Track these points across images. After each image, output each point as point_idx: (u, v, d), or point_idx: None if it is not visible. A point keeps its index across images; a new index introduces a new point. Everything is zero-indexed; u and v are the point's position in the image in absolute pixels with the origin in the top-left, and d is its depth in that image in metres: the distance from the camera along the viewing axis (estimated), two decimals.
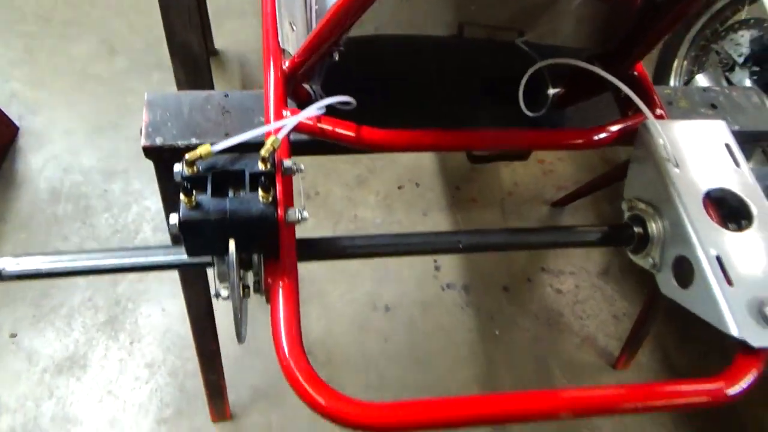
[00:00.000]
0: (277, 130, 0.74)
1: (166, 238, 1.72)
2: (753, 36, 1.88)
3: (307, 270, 1.79)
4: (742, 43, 1.92)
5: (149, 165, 0.95)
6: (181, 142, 0.92)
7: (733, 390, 0.70)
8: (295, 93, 0.94)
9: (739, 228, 0.81)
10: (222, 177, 0.68)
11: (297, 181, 0.76)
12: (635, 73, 0.99)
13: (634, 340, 1.68)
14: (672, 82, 2.11)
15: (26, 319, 1.61)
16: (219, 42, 2.26)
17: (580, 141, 0.90)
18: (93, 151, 1.94)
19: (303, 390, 0.64)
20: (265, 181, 0.65)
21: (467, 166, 2.12)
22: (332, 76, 0.99)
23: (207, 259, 0.73)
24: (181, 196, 0.63)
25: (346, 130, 0.83)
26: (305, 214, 0.67)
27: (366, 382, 1.62)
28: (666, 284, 0.83)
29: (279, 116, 0.84)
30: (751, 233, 0.80)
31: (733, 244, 0.78)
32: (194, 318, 1.28)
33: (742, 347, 0.73)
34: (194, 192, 0.64)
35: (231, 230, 0.65)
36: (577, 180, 2.10)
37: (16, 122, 1.97)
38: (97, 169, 1.91)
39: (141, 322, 1.65)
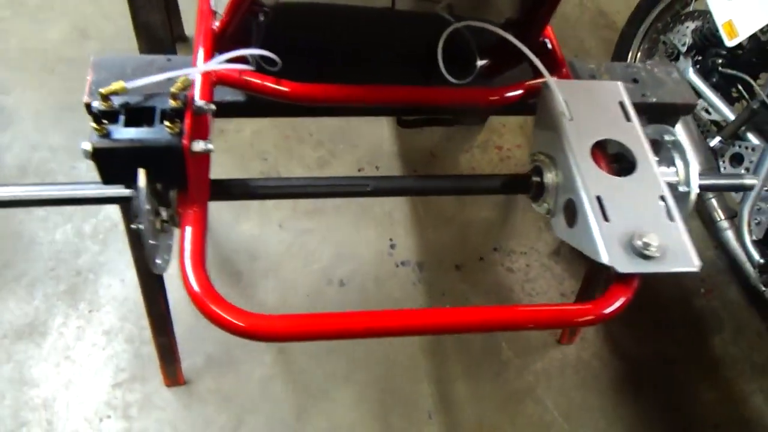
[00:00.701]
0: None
1: None
2: (695, 26, 1.97)
3: (264, 245, 1.85)
4: (685, 33, 2.01)
5: None
6: None
7: (607, 310, 0.77)
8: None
9: (626, 174, 0.88)
10: (136, 113, 0.75)
11: (212, 122, 0.82)
12: (546, 40, 1.06)
13: None
14: None
15: None
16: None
17: (489, 98, 0.97)
18: (61, 130, 2.00)
19: (204, 305, 0.70)
20: (172, 114, 0.71)
21: (427, 151, 2.20)
22: (269, 42, 1.06)
23: (126, 192, 0.79)
24: (92, 124, 0.70)
25: (266, 82, 0.90)
26: (210, 146, 0.73)
27: (316, 352, 1.68)
28: (558, 227, 0.90)
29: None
30: (632, 178, 0.87)
31: (614, 186, 0.85)
32: (143, 278, 1.34)
33: (617, 278, 0.80)
34: (106, 122, 0.70)
35: (140, 159, 0.72)
36: None
37: None
38: (65, 147, 1.97)
39: (101, 292, 1.70)
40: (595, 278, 1.67)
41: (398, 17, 1.06)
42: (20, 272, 1.70)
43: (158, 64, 1.08)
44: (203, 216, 0.76)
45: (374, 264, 1.88)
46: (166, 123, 0.71)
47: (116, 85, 0.72)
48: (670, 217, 0.83)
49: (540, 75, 1.05)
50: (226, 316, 0.68)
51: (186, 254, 0.71)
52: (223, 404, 1.56)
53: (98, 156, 0.71)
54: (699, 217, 2.10)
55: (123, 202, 0.84)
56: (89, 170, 1.92)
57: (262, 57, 1.01)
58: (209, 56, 0.92)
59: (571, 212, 0.85)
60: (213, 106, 0.80)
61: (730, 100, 2.00)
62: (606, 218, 0.81)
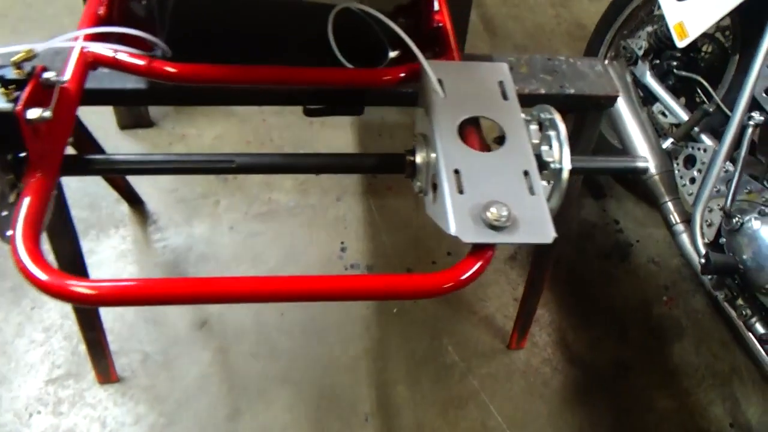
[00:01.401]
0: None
1: None
2: (651, 30, 1.95)
3: (214, 248, 1.86)
4: (642, 37, 1.99)
5: None
6: None
7: (462, 276, 0.75)
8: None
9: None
10: None
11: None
12: (439, 25, 1.06)
13: (523, 317, 1.71)
14: None
15: None
16: None
17: (367, 79, 0.96)
18: None
19: (30, 274, 0.69)
20: (9, 82, 0.73)
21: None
22: (173, 30, 1.08)
23: None
24: None
25: (139, 61, 0.91)
26: (47, 113, 0.74)
27: (257, 351, 1.66)
28: (427, 205, 0.88)
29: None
30: (498, 153, 0.85)
31: (478, 161, 0.83)
32: (64, 269, 1.35)
33: (473, 248, 0.78)
34: None
35: None
36: None
37: None
38: None
39: None
40: (539, 279, 1.64)
41: (299, 4, 1.06)
42: None
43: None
44: (46, 188, 0.76)
45: (323, 267, 1.87)
46: (2, 90, 0.72)
47: None
48: (532, 191, 0.81)
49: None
50: (54, 282, 0.68)
51: (18, 224, 0.71)
52: (155, 402, 1.55)
53: None
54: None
55: None
56: None
57: (168, 42, 1.03)
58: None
59: (436, 189, 0.84)
60: (63, 79, 0.81)
61: (691, 103, 1.97)
62: (461, 191, 0.79)
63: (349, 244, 1.93)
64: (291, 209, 1.99)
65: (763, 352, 1.46)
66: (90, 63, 0.90)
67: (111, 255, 1.80)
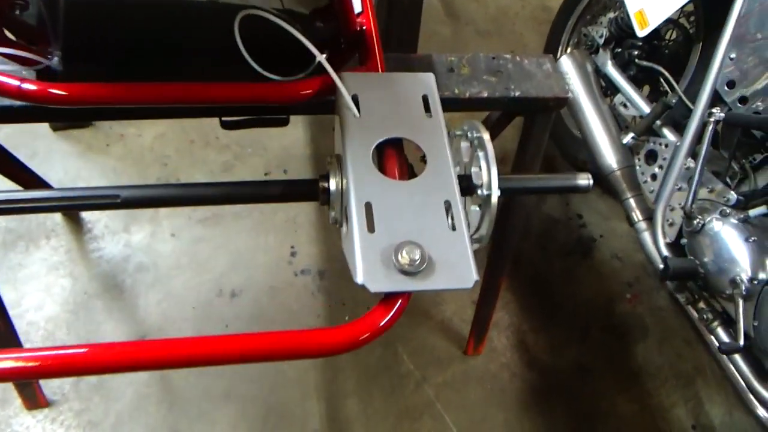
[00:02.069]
0: None
1: None
2: (611, 17, 1.86)
3: (154, 255, 1.75)
4: (603, 24, 1.90)
5: None
6: None
7: (360, 337, 0.66)
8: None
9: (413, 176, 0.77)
10: None
11: None
12: (362, 28, 0.96)
13: (479, 322, 1.64)
14: None
15: None
16: None
17: (281, 94, 0.86)
18: None
19: None
20: None
21: None
22: (68, 39, 0.96)
23: None
24: None
25: (14, 82, 0.79)
26: None
27: (194, 369, 1.57)
28: (343, 239, 0.79)
29: None
30: (418, 181, 0.76)
31: (394, 191, 0.74)
32: None
33: (385, 295, 0.69)
34: None
35: None
36: None
37: None
38: None
39: None
40: (494, 283, 1.56)
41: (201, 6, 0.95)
42: None
43: None
44: None
45: (271, 273, 1.77)
46: None
47: None
48: (453, 226, 0.72)
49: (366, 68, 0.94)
50: None
51: None
52: (88, 428, 1.45)
53: None
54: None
55: None
56: None
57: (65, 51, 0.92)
58: None
59: (347, 221, 0.75)
60: None
61: (655, 93, 1.89)
62: (372, 229, 0.70)
63: (299, 248, 1.84)
64: (238, 212, 1.88)
65: (724, 357, 1.40)
66: None
67: (41, 268, 1.69)
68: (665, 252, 1.56)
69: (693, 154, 1.51)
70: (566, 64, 1.85)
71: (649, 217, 1.70)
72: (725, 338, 1.39)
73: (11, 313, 1.58)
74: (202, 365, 0.67)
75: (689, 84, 1.74)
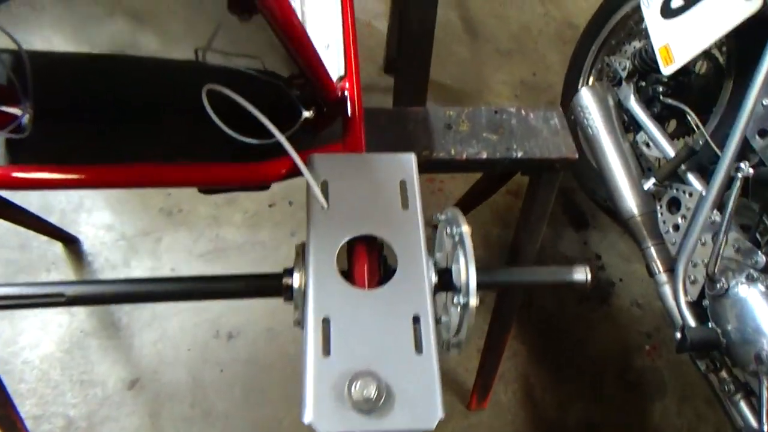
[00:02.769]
0: None
1: None
2: (635, 48, 1.74)
3: None
4: (627, 54, 1.78)
5: None
6: None
7: None
8: None
9: (380, 283, 0.69)
10: None
11: None
12: (346, 96, 0.88)
13: (484, 374, 1.55)
14: None
15: None
16: None
17: (248, 177, 0.79)
18: None
19: None
20: None
21: None
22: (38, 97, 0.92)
23: None
24: None
25: None
26: None
27: (191, 415, 1.53)
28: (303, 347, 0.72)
29: None
30: (386, 290, 0.68)
31: (356, 303, 0.66)
32: None
33: None
34: None
35: None
36: None
37: None
38: None
39: None
40: (501, 336, 1.47)
41: (177, 70, 0.90)
42: None
43: None
44: None
45: (270, 314, 1.71)
46: None
47: None
48: (420, 348, 0.64)
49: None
50: None
51: None
52: None
53: None
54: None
55: None
56: None
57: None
58: None
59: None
60: None
61: (681, 129, 1.77)
62: (327, 351, 0.63)
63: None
64: (240, 246, 1.83)
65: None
66: None
67: None
68: (686, 311, 1.44)
69: (719, 205, 1.40)
70: (586, 97, 1.73)
71: (671, 269, 1.58)
72: (748, 414, 1.28)
73: (7, 351, 1.57)
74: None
75: (718, 125, 1.61)
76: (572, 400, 1.65)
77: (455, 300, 0.72)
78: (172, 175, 0.78)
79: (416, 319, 0.66)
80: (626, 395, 1.68)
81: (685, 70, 1.70)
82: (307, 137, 1.02)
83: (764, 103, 1.30)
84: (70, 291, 0.70)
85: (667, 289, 1.56)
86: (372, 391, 0.59)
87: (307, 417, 0.59)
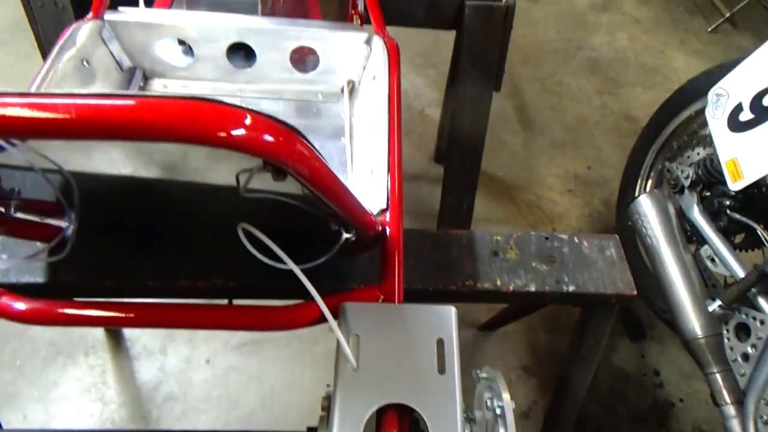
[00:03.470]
0: None
1: None
2: (698, 159, 1.65)
3: (186, 384, 1.68)
4: (689, 163, 1.69)
5: None
6: None
7: None
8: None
9: None
10: None
11: None
12: (386, 232, 0.84)
13: None
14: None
15: None
16: None
17: (277, 322, 0.75)
18: None
19: None
20: None
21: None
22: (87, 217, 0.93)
23: None
24: None
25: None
26: None
27: None
28: None
29: None
30: None
31: None
32: None
33: None
34: None
35: None
36: None
37: None
38: None
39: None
40: None
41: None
42: None
43: None
44: None
45: (303, 415, 1.65)
46: None
47: None
48: None
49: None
50: None
51: None
52: None
53: None
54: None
55: None
56: None
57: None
58: None
59: None
60: None
61: (750, 241, 1.65)
62: None
63: None
64: (277, 339, 1.79)
65: None
66: None
67: (75, 389, 1.66)
68: None
69: None
70: (646, 205, 1.64)
71: (739, 401, 1.44)
72: None
73: None
74: None
75: None
76: None
77: None
78: (200, 318, 0.75)
79: None
80: None
81: (755, 184, 1.60)
82: (344, 263, 0.99)
83: None
84: None
85: (735, 425, 1.42)
86: None
87: None
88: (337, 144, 1.18)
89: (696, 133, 1.82)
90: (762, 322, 1.36)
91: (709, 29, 3.14)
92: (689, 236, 1.68)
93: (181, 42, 1.22)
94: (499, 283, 0.99)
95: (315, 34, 1.17)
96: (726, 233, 1.58)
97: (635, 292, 1.02)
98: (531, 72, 2.77)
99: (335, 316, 0.76)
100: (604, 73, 2.83)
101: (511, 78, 2.66)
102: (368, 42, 1.18)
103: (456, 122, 1.80)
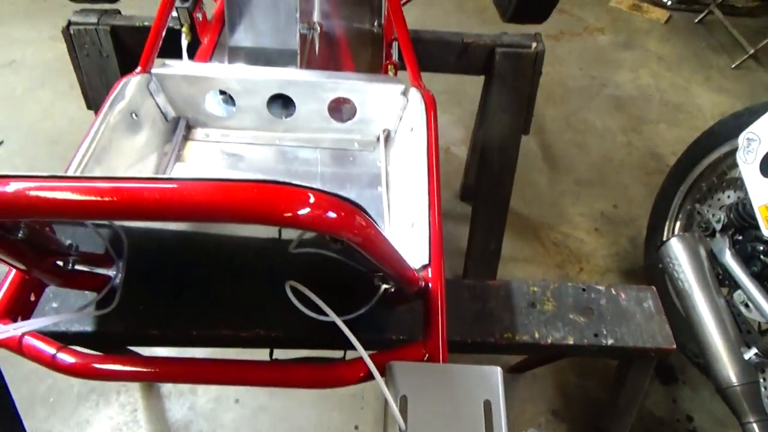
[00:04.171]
0: None
1: None
2: (730, 203, 1.65)
3: (214, 424, 1.69)
4: (720, 207, 1.69)
5: None
6: None
7: None
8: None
9: None
10: None
11: None
12: (428, 287, 0.85)
13: None
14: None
15: None
16: None
17: (320, 380, 0.77)
18: None
19: None
20: None
21: None
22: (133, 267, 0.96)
23: None
24: None
25: (45, 349, 0.76)
26: None
27: None
28: None
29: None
30: None
31: None
32: None
33: None
34: None
35: None
36: None
37: None
38: None
39: None
40: None
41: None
42: None
43: None
44: None
45: None
46: None
47: None
48: None
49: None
50: None
51: None
52: None
53: None
54: None
55: None
56: None
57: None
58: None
59: None
60: None
61: None
62: None
63: (364, 428, 1.70)
64: None
65: None
66: None
67: (106, 427, 1.67)
68: None
69: None
70: (677, 248, 1.63)
71: None
72: None
73: None
74: None
75: None
76: None
77: None
78: (246, 375, 0.77)
79: None
80: None
81: None
82: (383, 312, 1.00)
83: None
84: None
85: None
86: None
87: None
88: (373, 192, 1.21)
89: (725, 174, 1.82)
90: None
91: (733, 66, 3.14)
92: (721, 280, 1.67)
93: (223, 92, 1.26)
94: (537, 335, 1.00)
95: (353, 86, 1.20)
96: (760, 278, 1.56)
97: (674, 346, 1.01)
98: (555, 110, 2.80)
99: (381, 372, 0.77)
100: (629, 110, 2.84)
101: (536, 116, 2.67)
102: (405, 93, 1.21)
103: (484, 165, 1.83)
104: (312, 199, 0.52)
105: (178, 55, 1.41)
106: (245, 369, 0.77)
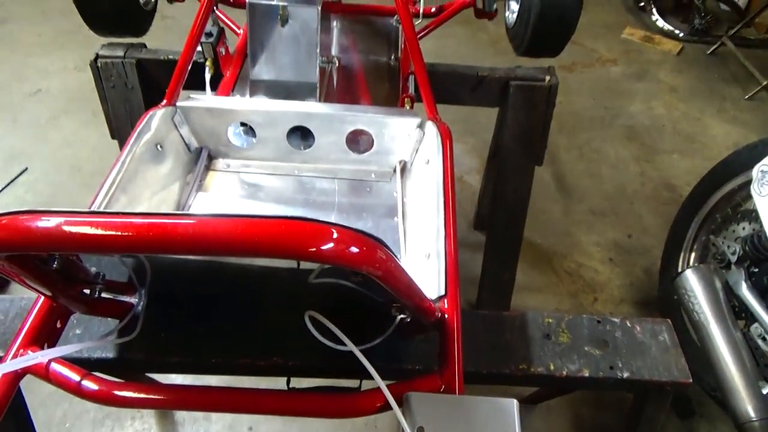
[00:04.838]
0: None
1: None
2: (745, 234, 1.65)
3: None
4: (735, 239, 1.69)
5: None
6: None
7: None
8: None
9: None
10: None
11: None
12: (445, 318, 0.87)
13: None
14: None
15: None
16: None
17: (340, 409, 0.78)
18: None
19: None
20: None
21: None
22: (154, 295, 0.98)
23: None
24: None
25: (71, 376, 0.78)
26: None
27: None
28: None
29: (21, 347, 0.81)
30: None
31: None
32: None
33: None
34: None
35: None
36: None
37: None
38: None
39: None
40: None
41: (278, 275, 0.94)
42: None
43: None
44: None
45: None
46: None
47: None
48: None
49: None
50: None
51: None
52: None
53: None
54: None
55: None
56: None
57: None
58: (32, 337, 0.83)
59: None
60: None
61: None
62: None
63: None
64: None
65: None
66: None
67: None
68: None
69: None
70: (692, 280, 1.63)
71: None
72: None
73: None
74: None
75: None
76: None
77: None
78: (262, 404, 0.78)
79: None
80: None
81: None
82: (398, 341, 1.01)
83: None
84: None
85: None
86: None
87: None
88: (390, 223, 1.23)
89: (740, 206, 1.82)
90: None
91: (746, 97, 3.16)
92: (737, 313, 1.66)
93: (243, 123, 1.30)
94: (552, 367, 1.00)
95: (371, 119, 1.24)
96: None
97: (690, 380, 1.01)
98: (568, 140, 2.82)
99: (398, 403, 0.78)
100: (641, 140, 2.86)
101: (549, 146, 2.67)
102: (421, 126, 1.24)
103: (498, 195, 1.85)
104: (335, 235, 0.54)
105: (201, 87, 1.45)
106: (263, 398, 0.79)
